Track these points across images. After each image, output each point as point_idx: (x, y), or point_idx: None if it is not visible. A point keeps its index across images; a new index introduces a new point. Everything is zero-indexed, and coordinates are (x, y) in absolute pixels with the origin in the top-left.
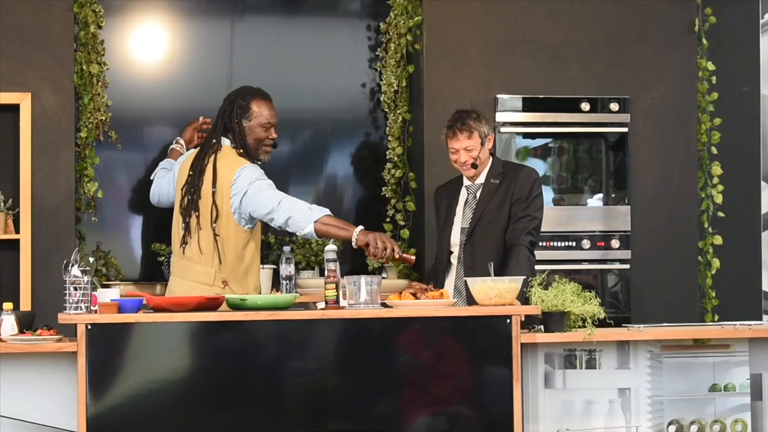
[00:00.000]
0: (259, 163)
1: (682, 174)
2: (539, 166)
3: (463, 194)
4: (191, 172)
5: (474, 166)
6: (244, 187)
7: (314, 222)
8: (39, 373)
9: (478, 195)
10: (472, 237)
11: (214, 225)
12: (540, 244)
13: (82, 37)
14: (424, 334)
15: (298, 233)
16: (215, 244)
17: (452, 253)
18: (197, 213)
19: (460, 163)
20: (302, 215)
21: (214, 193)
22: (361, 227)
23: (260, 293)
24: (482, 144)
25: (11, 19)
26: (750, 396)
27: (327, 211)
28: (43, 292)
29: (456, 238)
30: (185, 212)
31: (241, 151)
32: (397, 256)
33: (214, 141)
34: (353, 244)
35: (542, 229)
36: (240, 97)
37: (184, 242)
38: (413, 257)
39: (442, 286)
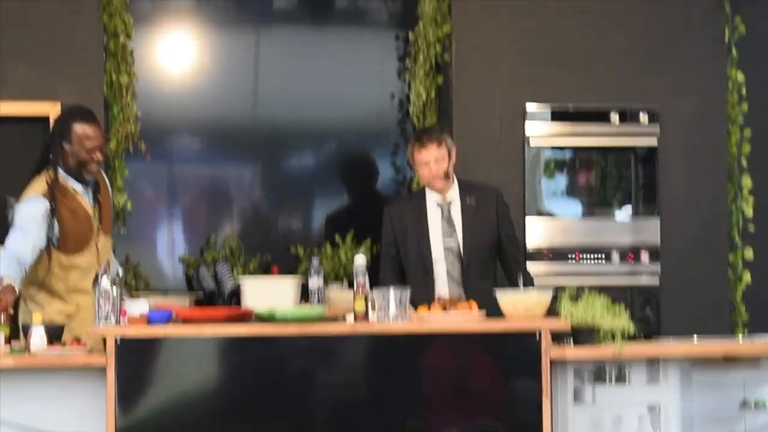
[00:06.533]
0: (86, 182)
1: (712, 186)
2: (567, 178)
3: (434, 209)
4: None
5: (446, 176)
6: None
7: None
8: (68, 386)
9: (453, 210)
10: (469, 259)
11: None
12: (569, 256)
13: (111, 47)
14: (453, 347)
15: None
16: None
17: (428, 265)
18: None
19: (431, 176)
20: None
21: None
22: None
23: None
24: (449, 156)
25: (41, 28)
26: None
27: (8, 275)
28: None
29: (440, 255)
30: None
31: (50, 173)
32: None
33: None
34: None
35: (572, 242)
36: (62, 122)
37: None
38: None
39: (429, 300)
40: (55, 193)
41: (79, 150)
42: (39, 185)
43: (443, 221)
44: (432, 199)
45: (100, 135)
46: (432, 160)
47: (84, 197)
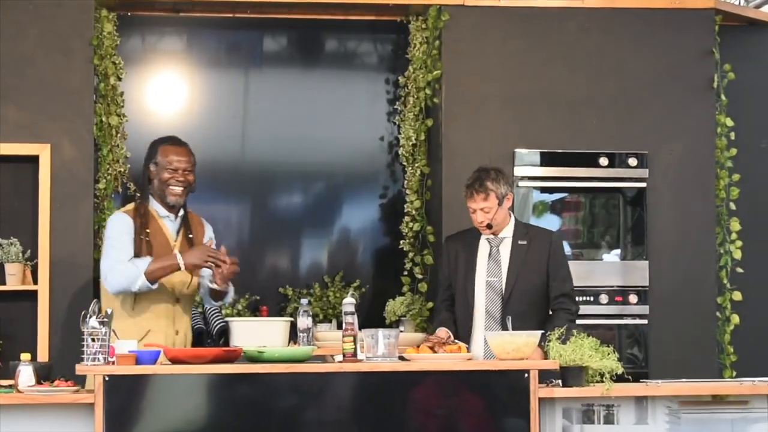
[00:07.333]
0: (172, 210)
1: (700, 229)
2: (556, 221)
3: (484, 246)
4: None
5: (489, 226)
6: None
7: (144, 273)
8: (56, 424)
9: (501, 249)
10: (509, 297)
11: None
12: None
13: (102, 89)
14: (441, 387)
15: (133, 289)
16: None
17: (470, 299)
18: None
19: (477, 223)
20: (131, 272)
21: None
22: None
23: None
24: (499, 204)
25: (32, 70)
26: None
27: (148, 260)
28: (60, 343)
29: (481, 291)
30: None
31: (138, 196)
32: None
33: None
34: (182, 268)
35: None
36: (151, 146)
37: None
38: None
39: (468, 335)
40: (140, 213)
41: (162, 170)
42: (127, 206)
43: (490, 259)
44: (484, 235)
45: (185, 160)
46: (478, 209)
47: (167, 224)
